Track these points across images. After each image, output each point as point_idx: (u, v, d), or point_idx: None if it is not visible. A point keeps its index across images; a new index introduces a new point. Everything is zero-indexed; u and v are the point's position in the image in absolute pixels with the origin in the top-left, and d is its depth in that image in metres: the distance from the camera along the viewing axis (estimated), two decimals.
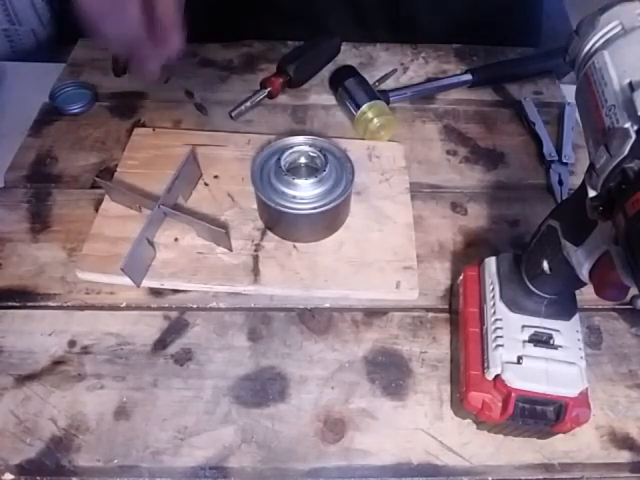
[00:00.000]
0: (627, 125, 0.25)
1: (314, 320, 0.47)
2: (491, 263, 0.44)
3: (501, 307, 0.41)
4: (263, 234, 0.51)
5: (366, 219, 0.52)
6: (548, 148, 0.60)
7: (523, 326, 0.40)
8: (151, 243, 0.49)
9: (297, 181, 0.47)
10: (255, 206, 0.52)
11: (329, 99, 0.66)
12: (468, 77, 0.67)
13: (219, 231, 0.47)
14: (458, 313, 0.45)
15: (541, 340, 0.39)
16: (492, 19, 0.69)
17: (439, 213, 0.55)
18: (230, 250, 0.50)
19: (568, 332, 0.39)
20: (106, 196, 0.53)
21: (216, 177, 0.55)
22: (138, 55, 0.44)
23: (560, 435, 0.40)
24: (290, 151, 0.50)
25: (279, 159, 0.48)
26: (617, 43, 0.29)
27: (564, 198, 0.56)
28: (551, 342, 0.39)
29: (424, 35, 0.72)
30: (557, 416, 0.38)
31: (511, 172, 0.59)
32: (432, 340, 0.46)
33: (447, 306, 0.49)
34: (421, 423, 0.42)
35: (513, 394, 0.37)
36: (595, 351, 0.46)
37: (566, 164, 0.59)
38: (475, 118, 0.65)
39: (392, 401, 0.43)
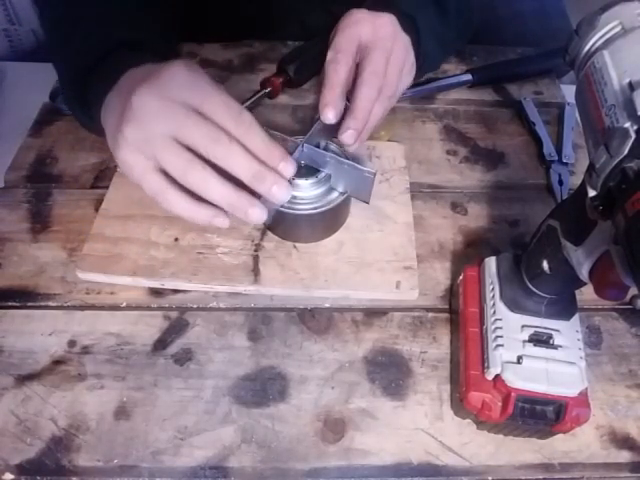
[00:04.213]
0: (627, 125, 0.25)
1: (314, 320, 0.47)
2: (491, 263, 0.44)
3: (501, 307, 0.41)
4: (263, 234, 0.51)
5: (366, 219, 0.52)
6: (548, 148, 0.60)
7: (523, 326, 0.40)
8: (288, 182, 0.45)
9: (297, 181, 0.47)
10: None
11: None
12: (468, 77, 0.67)
13: (368, 173, 0.43)
14: (458, 313, 0.45)
15: (541, 340, 0.39)
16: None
17: (439, 213, 0.55)
18: (367, 202, 0.46)
19: (568, 332, 0.40)
20: (106, 196, 0.52)
21: None
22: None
23: (560, 435, 0.40)
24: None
25: None
26: (617, 43, 0.29)
27: (564, 198, 0.56)
28: (551, 342, 0.39)
29: None
30: (557, 416, 0.38)
31: (511, 172, 0.59)
32: (432, 340, 0.46)
33: (447, 306, 0.49)
34: (421, 423, 0.42)
35: (513, 394, 0.37)
36: (595, 351, 0.46)
37: (566, 164, 0.59)
38: (475, 118, 0.65)
39: (392, 401, 0.43)
